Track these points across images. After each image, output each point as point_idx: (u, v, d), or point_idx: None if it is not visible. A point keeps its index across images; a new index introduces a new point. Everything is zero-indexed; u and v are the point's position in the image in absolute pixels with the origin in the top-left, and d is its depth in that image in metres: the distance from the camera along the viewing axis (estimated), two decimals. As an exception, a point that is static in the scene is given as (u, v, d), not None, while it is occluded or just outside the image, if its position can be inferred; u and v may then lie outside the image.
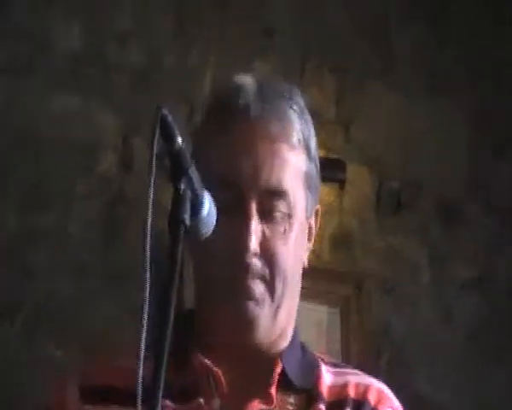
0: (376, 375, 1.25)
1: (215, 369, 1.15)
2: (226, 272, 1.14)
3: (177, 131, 0.93)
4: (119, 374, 1.11)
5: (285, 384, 1.19)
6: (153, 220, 0.90)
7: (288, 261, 1.18)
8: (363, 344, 2.50)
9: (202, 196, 0.96)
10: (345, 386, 1.21)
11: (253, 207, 1.12)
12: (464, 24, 2.72)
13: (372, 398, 1.19)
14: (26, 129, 2.58)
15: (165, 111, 0.93)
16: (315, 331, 2.56)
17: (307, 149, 1.14)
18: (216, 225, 1.05)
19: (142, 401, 0.93)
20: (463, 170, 2.64)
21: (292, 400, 1.23)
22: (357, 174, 2.56)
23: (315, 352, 1.31)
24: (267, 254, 1.14)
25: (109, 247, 2.59)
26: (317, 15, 2.70)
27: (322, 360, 1.27)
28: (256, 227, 1.12)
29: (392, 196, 2.56)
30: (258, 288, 1.15)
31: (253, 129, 1.12)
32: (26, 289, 2.57)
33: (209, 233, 1.02)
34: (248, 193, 1.11)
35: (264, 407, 1.17)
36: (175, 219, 0.94)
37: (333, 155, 2.53)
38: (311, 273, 1.47)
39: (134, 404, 0.92)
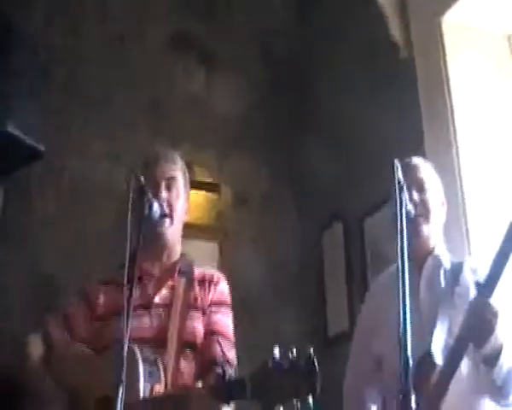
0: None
1: (151, 269, 2.14)
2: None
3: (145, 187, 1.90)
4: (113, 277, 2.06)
5: (181, 273, 2.13)
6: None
7: (179, 209, 2.11)
8: None
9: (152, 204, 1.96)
10: (204, 273, 2.20)
11: (163, 184, 2.09)
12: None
13: (216, 277, 2.19)
14: None
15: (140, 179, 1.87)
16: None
17: (184, 173, 2.24)
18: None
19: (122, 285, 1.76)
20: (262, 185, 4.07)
21: (184, 280, 2.13)
22: None
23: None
24: (170, 203, 2.07)
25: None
26: None
27: (193, 261, 2.22)
28: (164, 192, 2.07)
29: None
30: (167, 221, 2.07)
31: (161, 159, 2.18)
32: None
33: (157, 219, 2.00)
34: (160, 179, 2.12)
35: (171, 282, 2.11)
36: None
37: None
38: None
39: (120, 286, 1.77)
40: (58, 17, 3.63)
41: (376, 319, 2.24)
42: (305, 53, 4.16)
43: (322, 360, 2.29)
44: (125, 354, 1.54)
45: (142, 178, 1.79)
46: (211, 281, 2.21)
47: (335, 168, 3.83)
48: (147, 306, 2.03)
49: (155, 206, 1.85)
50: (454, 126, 2.99)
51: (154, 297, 2.08)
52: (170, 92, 3.86)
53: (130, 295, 1.65)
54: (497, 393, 1.96)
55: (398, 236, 1.68)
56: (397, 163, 1.79)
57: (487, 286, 1.86)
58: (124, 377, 1.52)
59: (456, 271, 2.19)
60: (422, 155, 2.82)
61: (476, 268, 2.19)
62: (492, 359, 1.91)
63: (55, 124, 3.41)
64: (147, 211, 1.80)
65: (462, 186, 2.92)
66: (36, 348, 2.00)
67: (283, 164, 4.15)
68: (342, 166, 3.78)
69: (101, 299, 2.07)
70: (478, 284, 1.91)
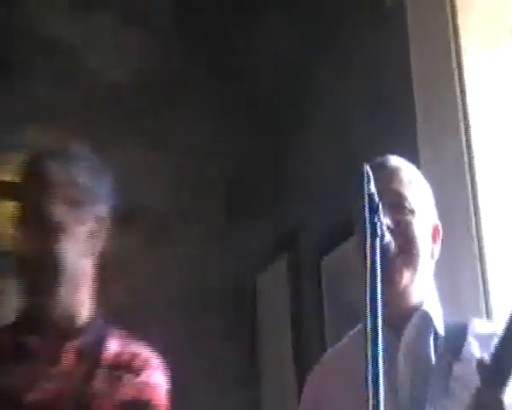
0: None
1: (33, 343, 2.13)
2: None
3: None
4: None
5: (81, 353, 2.10)
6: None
7: (73, 266, 2.16)
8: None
9: None
10: (123, 354, 2.13)
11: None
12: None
13: (139, 362, 2.14)
14: None
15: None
16: None
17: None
18: None
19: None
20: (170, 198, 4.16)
21: (83, 364, 2.07)
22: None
23: (113, 327, 2.20)
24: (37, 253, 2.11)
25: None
26: None
27: (115, 334, 2.18)
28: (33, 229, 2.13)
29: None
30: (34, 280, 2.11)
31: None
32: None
33: None
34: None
35: (59, 368, 2.09)
36: None
37: None
38: None
39: None
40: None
41: (331, 401, 2.26)
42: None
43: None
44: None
45: None
46: (129, 367, 2.18)
47: (269, 171, 4.17)
48: (18, 405, 2.03)
49: None
50: (464, 102, 2.96)
51: (27, 393, 2.06)
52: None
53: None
54: None
55: (368, 281, 1.68)
56: (368, 170, 1.78)
57: (497, 372, 1.81)
58: None
59: (455, 339, 2.18)
60: (412, 148, 2.86)
61: (490, 335, 2.13)
62: None
63: None
64: None
65: (475, 196, 2.85)
66: None
67: (198, 161, 4.34)
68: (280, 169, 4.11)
69: None
70: (482, 367, 1.85)
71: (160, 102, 4.33)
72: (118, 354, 2.18)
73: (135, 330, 2.36)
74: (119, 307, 2.80)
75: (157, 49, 4.41)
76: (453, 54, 3.05)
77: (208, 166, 4.40)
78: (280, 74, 4.41)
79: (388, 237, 1.92)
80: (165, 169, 4.26)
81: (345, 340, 2.40)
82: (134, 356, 2.18)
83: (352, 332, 2.36)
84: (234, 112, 4.50)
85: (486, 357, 1.88)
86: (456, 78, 3.02)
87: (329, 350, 2.49)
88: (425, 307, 2.22)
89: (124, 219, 3.79)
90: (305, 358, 3.79)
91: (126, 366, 2.16)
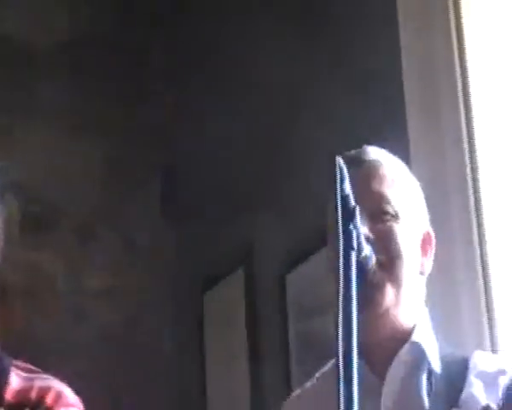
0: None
1: None
2: None
3: None
4: None
5: None
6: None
7: None
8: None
9: None
10: (29, 390, 2.03)
11: None
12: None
13: (49, 398, 2.04)
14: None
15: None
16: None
17: None
18: None
19: None
20: (95, 197, 4.20)
21: None
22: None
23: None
24: None
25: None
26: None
27: (17, 366, 2.10)
28: None
29: (34, 217, 4.04)
30: None
31: None
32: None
33: None
34: None
35: None
36: None
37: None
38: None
39: None
40: None
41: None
42: None
43: None
44: None
45: None
46: (39, 404, 2.11)
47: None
48: None
49: None
50: (464, 79, 2.91)
51: None
52: None
53: None
54: None
55: (341, 304, 1.63)
56: (341, 164, 1.73)
57: None
58: None
59: (453, 378, 2.12)
60: (402, 139, 2.85)
61: (497, 373, 2.11)
62: None
63: None
64: None
65: (477, 198, 2.84)
66: None
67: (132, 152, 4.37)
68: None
69: None
70: None
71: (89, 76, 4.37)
72: (23, 390, 2.09)
73: (46, 364, 2.28)
74: (23, 335, 2.67)
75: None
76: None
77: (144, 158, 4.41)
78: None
79: (367, 250, 1.87)
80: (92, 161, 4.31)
81: (315, 379, 2.32)
82: (44, 391, 2.08)
83: (324, 369, 2.28)
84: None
85: (493, 404, 1.89)
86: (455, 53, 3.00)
87: (297, 391, 2.38)
88: (415, 337, 2.13)
89: (35, 224, 3.71)
90: (265, 398, 3.81)
91: (35, 404, 2.07)
